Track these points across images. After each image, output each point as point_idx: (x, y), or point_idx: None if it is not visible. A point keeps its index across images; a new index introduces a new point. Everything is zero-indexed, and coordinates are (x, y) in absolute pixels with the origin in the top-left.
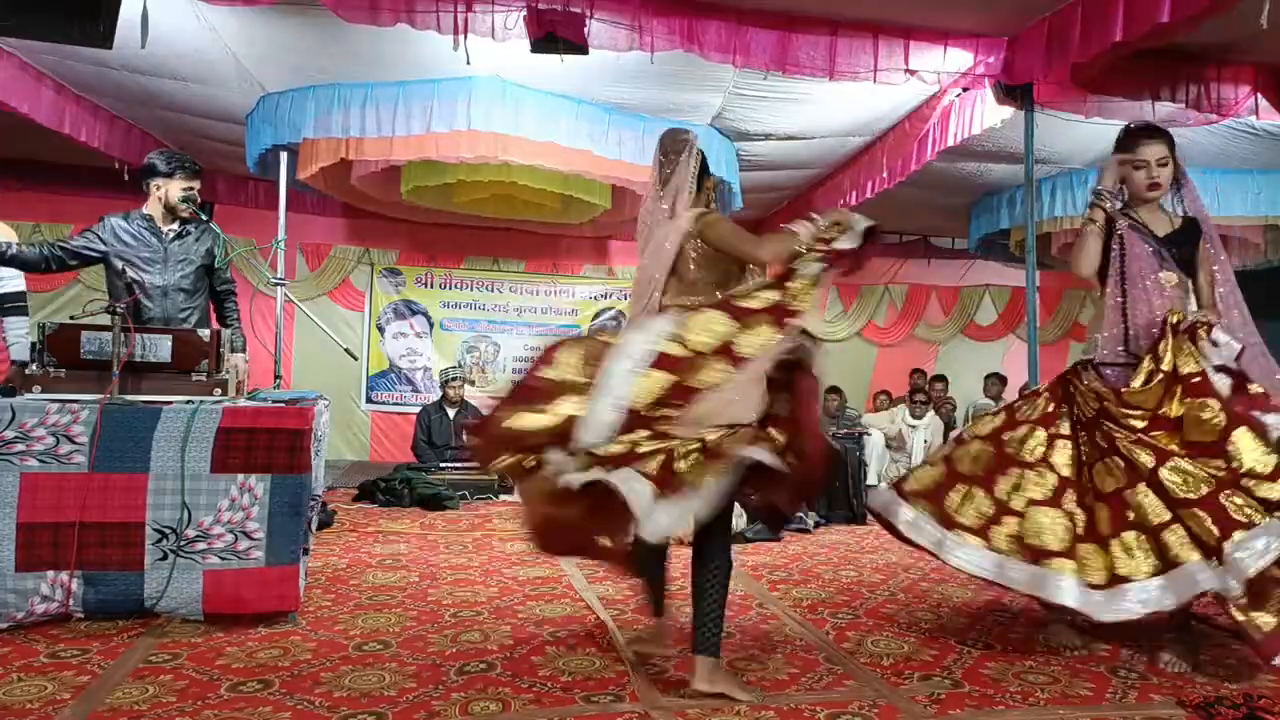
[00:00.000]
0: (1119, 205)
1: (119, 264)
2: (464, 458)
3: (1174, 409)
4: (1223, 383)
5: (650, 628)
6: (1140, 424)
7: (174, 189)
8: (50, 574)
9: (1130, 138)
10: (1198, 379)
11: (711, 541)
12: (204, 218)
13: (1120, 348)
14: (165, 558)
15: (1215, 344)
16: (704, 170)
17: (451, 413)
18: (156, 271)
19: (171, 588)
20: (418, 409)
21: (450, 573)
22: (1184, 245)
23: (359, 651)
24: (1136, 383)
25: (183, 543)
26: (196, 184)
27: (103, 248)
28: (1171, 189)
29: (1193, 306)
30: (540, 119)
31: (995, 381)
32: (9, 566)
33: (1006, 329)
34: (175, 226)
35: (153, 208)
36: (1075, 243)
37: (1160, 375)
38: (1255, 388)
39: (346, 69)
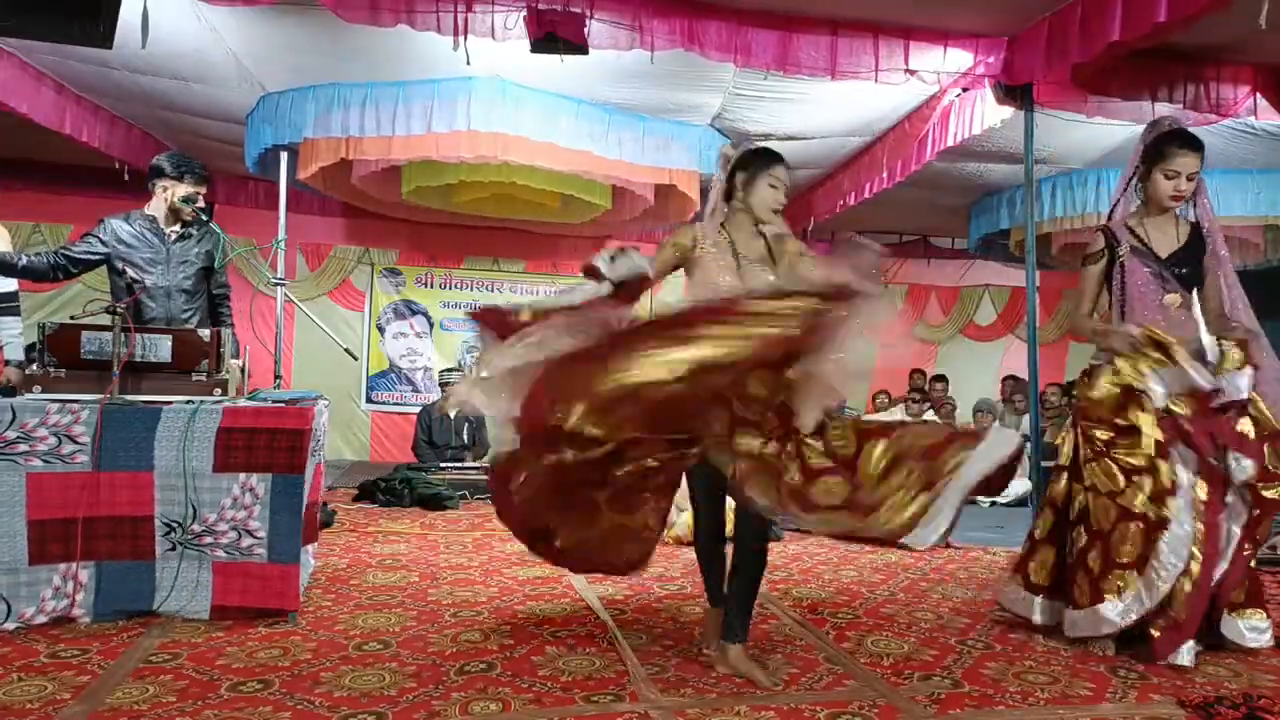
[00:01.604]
0: (1129, 211)
1: (120, 265)
2: (464, 458)
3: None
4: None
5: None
6: (1104, 435)
7: (180, 191)
8: (62, 566)
9: (1167, 143)
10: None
11: (747, 529)
12: (204, 219)
13: None
14: (175, 548)
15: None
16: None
17: (452, 413)
18: (159, 272)
19: (181, 578)
20: (418, 409)
21: (450, 573)
22: (1190, 261)
23: (359, 651)
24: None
25: (189, 537)
26: (203, 189)
27: (103, 250)
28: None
29: (1197, 316)
30: (540, 119)
31: (1011, 383)
32: (22, 561)
33: (1006, 329)
34: (177, 228)
35: (156, 208)
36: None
37: (1115, 386)
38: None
39: (346, 69)
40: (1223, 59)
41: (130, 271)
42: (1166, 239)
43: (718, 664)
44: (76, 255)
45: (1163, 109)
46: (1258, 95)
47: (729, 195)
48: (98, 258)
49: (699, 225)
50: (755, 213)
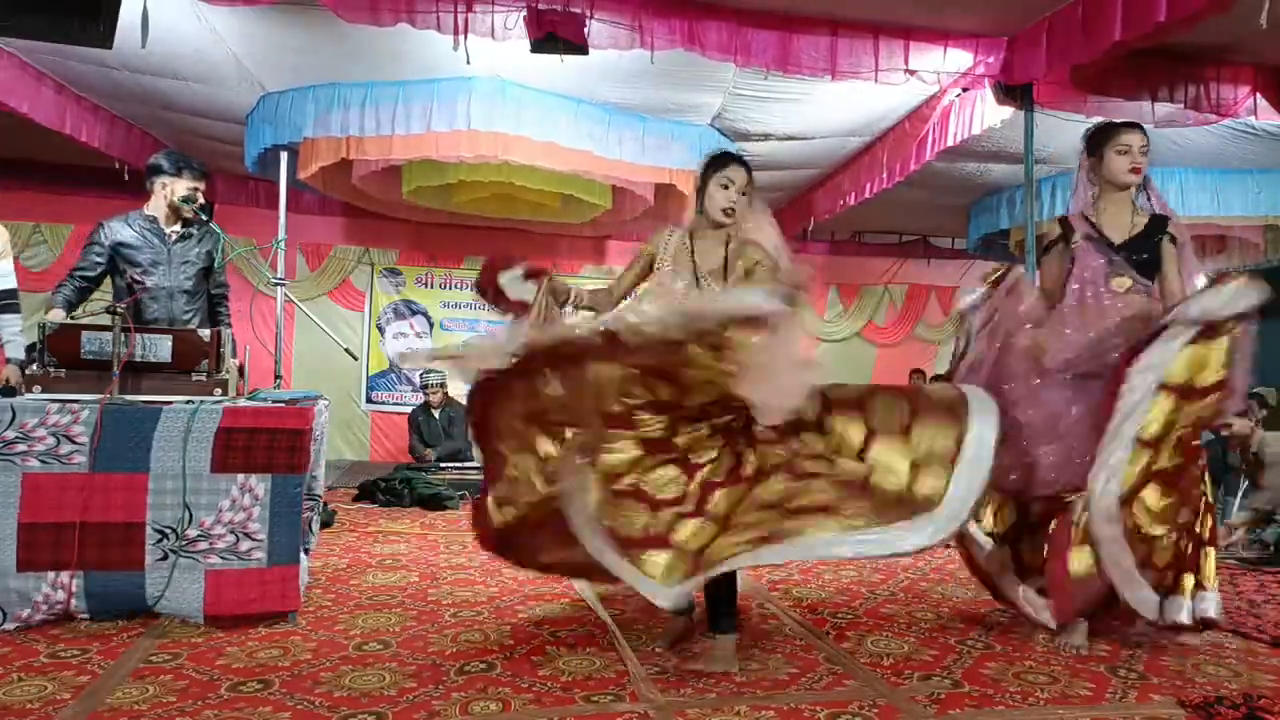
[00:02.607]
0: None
1: (121, 265)
2: (468, 457)
3: None
4: None
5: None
6: None
7: (179, 187)
8: (51, 574)
9: (1109, 128)
10: None
11: None
12: (204, 218)
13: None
14: (166, 558)
15: None
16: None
17: (437, 414)
18: (160, 273)
19: (172, 588)
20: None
21: (450, 573)
22: (1146, 249)
23: (359, 651)
24: None
25: (183, 543)
26: (202, 185)
27: (105, 254)
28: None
29: (1157, 306)
30: (540, 119)
31: None
32: (10, 566)
33: None
34: (178, 228)
35: (155, 208)
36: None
37: None
38: None
39: (346, 69)
40: (1223, 59)
41: (132, 272)
42: (1120, 227)
43: (699, 661)
44: (90, 274)
45: (1163, 109)
46: (1258, 95)
47: (700, 204)
48: (105, 266)
49: (667, 233)
50: (710, 217)
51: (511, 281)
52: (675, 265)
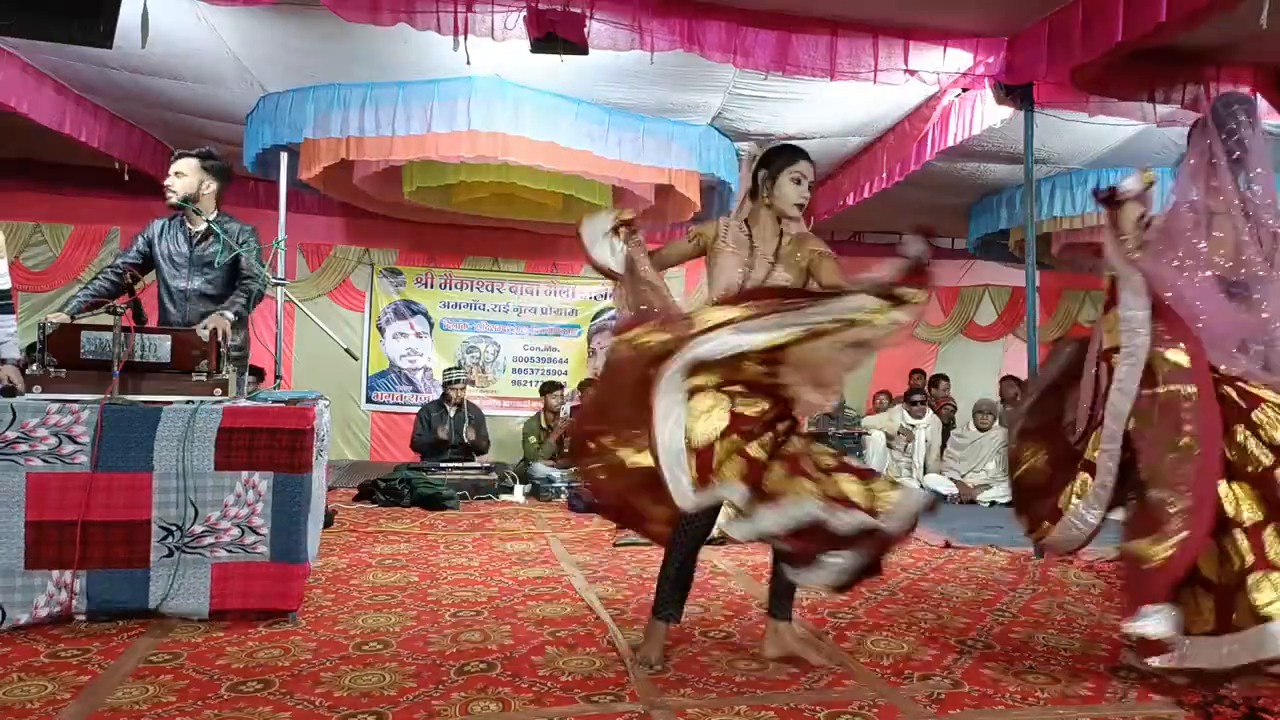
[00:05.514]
0: None
1: (159, 264)
2: (468, 457)
3: None
4: None
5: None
6: None
7: (168, 175)
8: (56, 572)
9: None
10: None
11: None
12: (181, 203)
13: None
14: (171, 554)
15: None
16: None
17: (452, 413)
18: (182, 275)
19: (178, 583)
20: (418, 409)
21: (450, 573)
22: None
23: (359, 651)
24: None
25: (189, 539)
26: (180, 164)
27: (144, 248)
28: None
29: None
30: (540, 119)
31: (1011, 384)
32: (18, 564)
33: (1006, 329)
34: (201, 227)
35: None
36: None
37: None
38: None
39: (346, 69)
40: (1223, 59)
41: (161, 271)
42: None
43: (771, 647)
44: (131, 263)
45: (1163, 109)
46: (1258, 95)
47: (754, 193)
48: (143, 261)
49: (724, 220)
50: (779, 208)
51: (597, 243)
52: (735, 248)
